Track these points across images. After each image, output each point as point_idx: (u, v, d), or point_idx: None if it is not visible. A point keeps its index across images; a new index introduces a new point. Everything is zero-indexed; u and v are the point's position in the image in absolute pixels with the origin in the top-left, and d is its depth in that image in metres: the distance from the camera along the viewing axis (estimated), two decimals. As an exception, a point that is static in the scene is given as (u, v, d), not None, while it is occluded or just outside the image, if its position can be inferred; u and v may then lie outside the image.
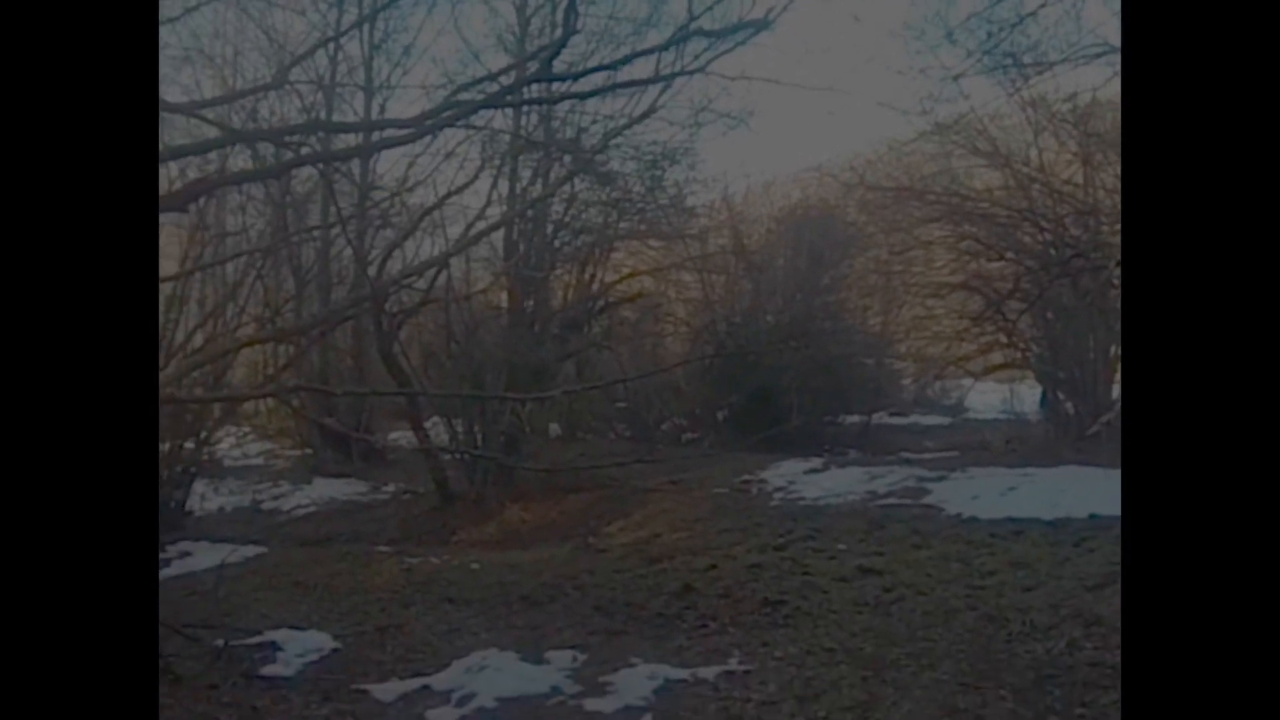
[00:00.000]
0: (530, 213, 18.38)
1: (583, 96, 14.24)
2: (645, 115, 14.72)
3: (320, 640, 8.29)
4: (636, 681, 7.03)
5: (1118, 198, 15.86)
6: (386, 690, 7.26)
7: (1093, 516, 10.03)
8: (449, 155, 18.18)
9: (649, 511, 13.07)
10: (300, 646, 8.13)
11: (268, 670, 7.72)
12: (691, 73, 10.62)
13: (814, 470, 14.47)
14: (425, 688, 7.27)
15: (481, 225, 16.38)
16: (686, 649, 7.70)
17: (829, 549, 10.01)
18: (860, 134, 35.12)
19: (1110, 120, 16.17)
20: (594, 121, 17.65)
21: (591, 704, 6.78)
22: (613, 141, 17.35)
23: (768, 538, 10.68)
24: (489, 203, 17.51)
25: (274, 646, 8.11)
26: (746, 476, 14.26)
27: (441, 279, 16.22)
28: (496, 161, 17.06)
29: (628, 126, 15.96)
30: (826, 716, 6.17)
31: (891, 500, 12.10)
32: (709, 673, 7.07)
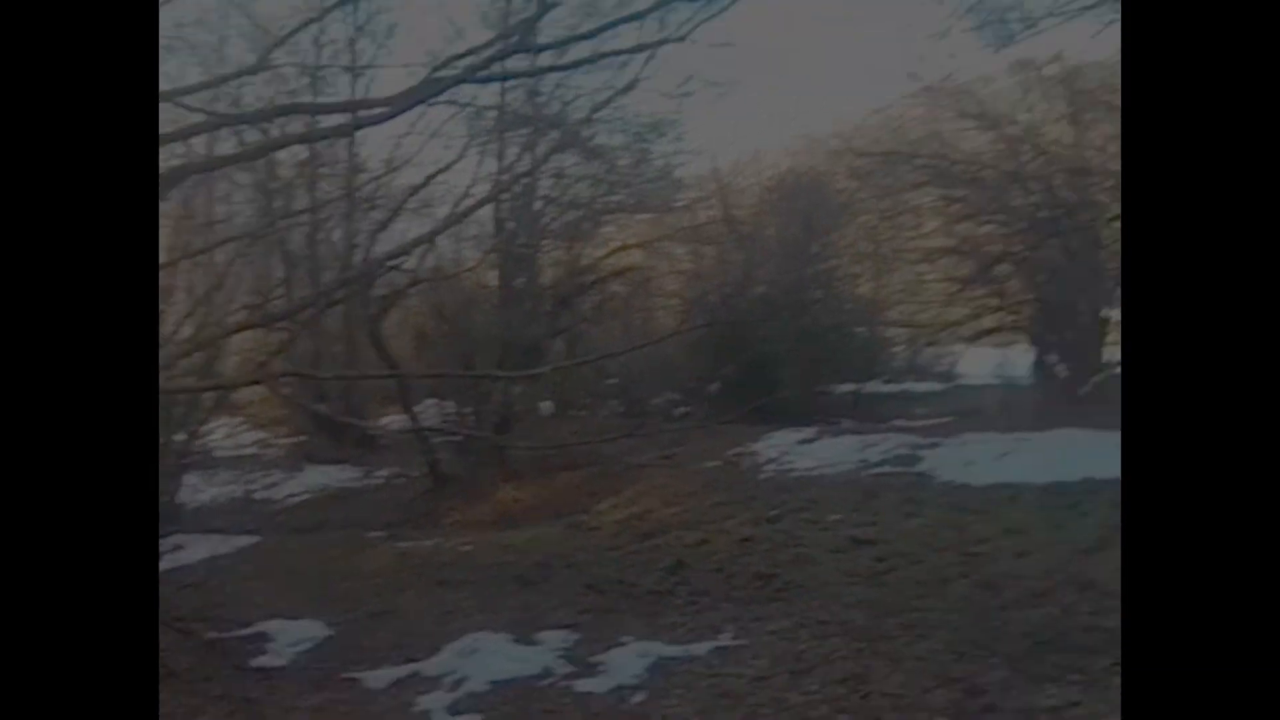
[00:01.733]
0: (518, 189, 18.22)
1: (566, 69, 14.04)
2: (629, 87, 14.48)
3: (313, 629, 8.26)
4: (629, 660, 7.00)
5: (1106, 156, 15.97)
6: (378, 677, 7.23)
7: (1086, 479, 9.84)
8: (434, 135, 18.05)
9: (641, 488, 12.98)
10: (292, 636, 8.10)
11: (260, 661, 7.68)
12: (674, 40, 10.39)
13: (806, 441, 14.30)
14: (416, 673, 7.23)
15: (469, 203, 16.21)
16: (679, 625, 7.68)
17: (821, 520, 9.96)
18: (847, 99, 34.93)
19: (1098, 79, 16.04)
20: (579, 95, 17.45)
21: (583, 684, 6.75)
22: (598, 115, 17.19)
23: (760, 510, 10.62)
24: (475, 181, 17.41)
25: (265, 637, 8.06)
26: (738, 449, 14.13)
27: (430, 259, 16.08)
28: (482, 139, 16.91)
29: (612, 99, 15.77)
30: (819, 690, 6.14)
31: (884, 469, 11.96)
32: (701, 649, 7.05)
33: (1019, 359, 19.21)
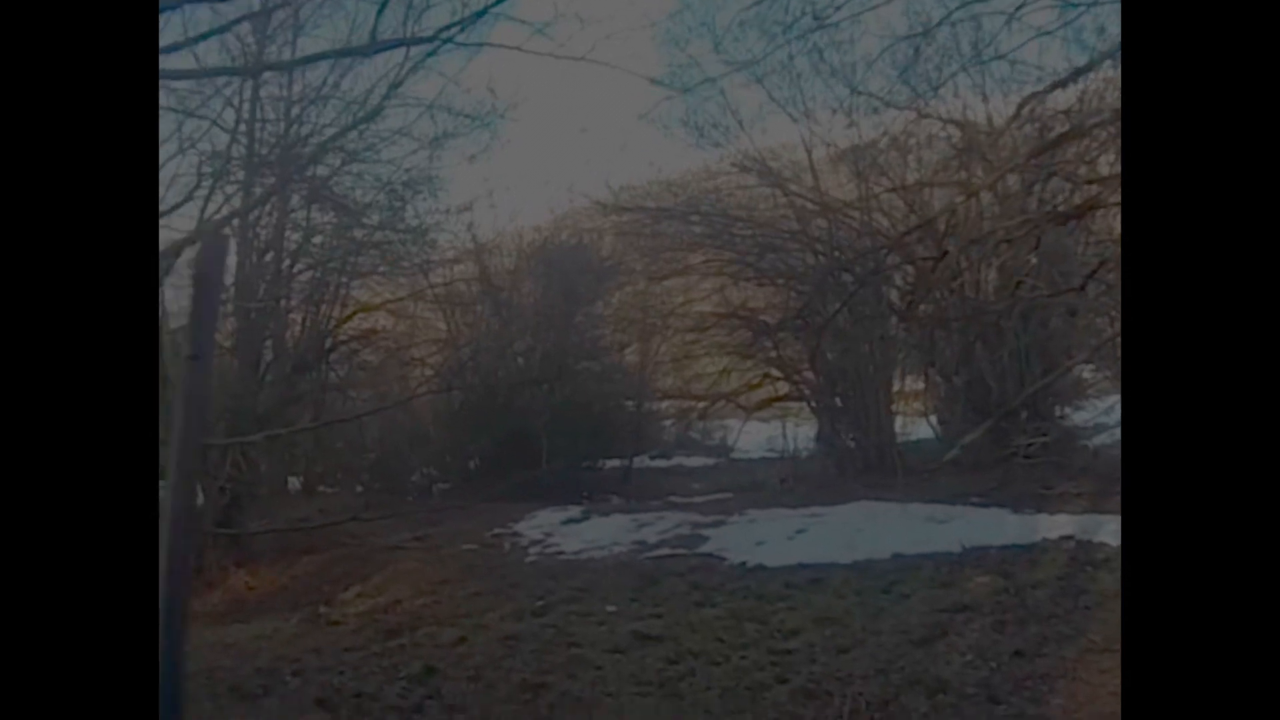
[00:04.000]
0: (260, 243, 16.60)
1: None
2: (371, 115, 13.06)
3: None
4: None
5: (894, 220, 15.18)
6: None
7: (896, 556, 8.95)
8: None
9: (390, 573, 11.39)
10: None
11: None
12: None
13: (573, 520, 13.17)
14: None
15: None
16: (423, 760, 5.87)
17: (597, 612, 8.53)
18: (616, 153, 33.41)
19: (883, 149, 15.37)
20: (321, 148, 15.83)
21: None
22: (350, 168, 16.16)
23: (524, 601, 9.15)
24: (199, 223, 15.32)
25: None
26: (499, 530, 12.78)
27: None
28: (209, 181, 14.92)
29: (353, 127, 14.19)
30: None
31: (664, 551, 10.74)
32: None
33: (795, 431, 18.29)
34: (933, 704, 5.58)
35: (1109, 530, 8.57)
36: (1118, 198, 8.75)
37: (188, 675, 7.72)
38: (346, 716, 6.73)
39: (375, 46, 9.43)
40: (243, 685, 7.55)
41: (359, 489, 19.12)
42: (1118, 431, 13.73)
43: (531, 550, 11.70)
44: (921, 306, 15.13)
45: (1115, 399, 13.80)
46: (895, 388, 16.58)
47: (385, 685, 7.23)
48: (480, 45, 9.89)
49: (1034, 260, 12.11)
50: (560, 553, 11.33)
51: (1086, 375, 14.93)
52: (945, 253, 11.89)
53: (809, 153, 16.70)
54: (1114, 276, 10.28)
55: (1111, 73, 9.58)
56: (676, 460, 21.66)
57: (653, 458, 21.46)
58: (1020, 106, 9.97)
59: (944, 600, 7.36)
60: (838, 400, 16.38)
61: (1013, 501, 9.97)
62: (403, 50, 10.33)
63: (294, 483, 18.96)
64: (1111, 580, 7.38)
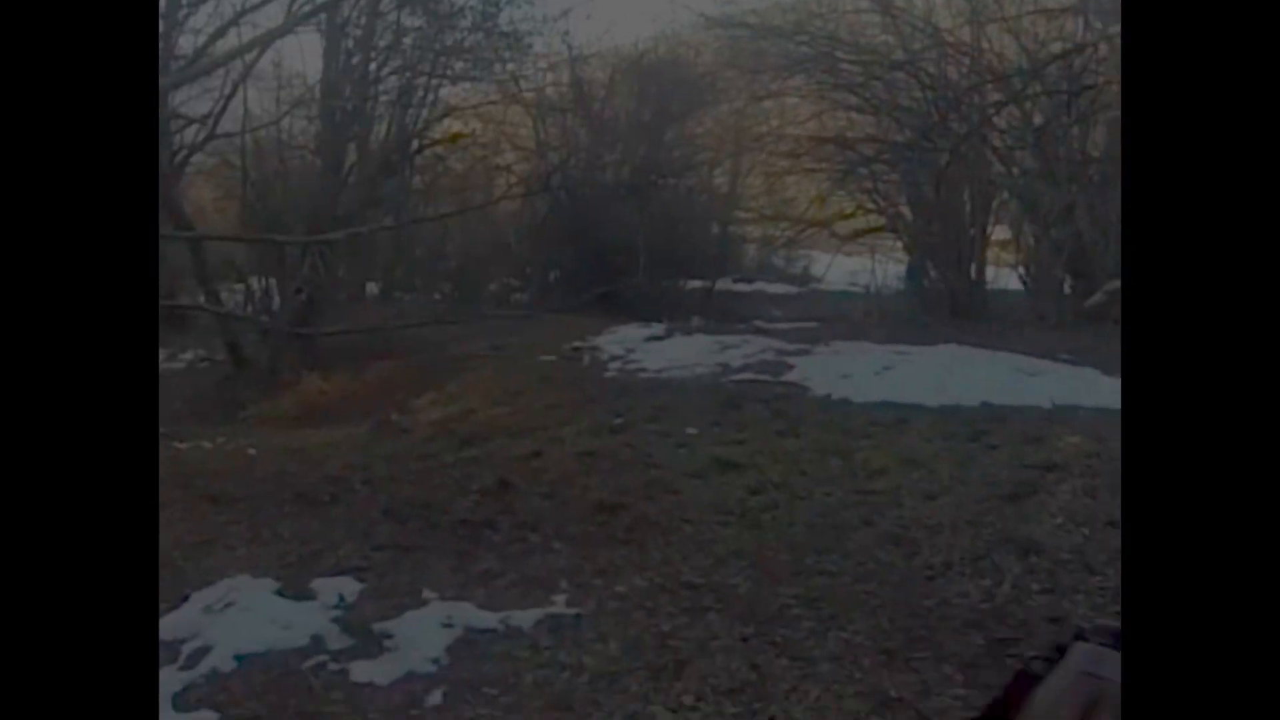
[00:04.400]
0: (349, 44, 16.34)
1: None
2: None
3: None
4: (426, 631, 5.02)
5: (1005, 63, 14.50)
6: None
7: (985, 405, 8.55)
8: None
9: (465, 382, 11.34)
10: None
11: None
12: None
13: (655, 338, 12.83)
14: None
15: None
16: (497, 575, 5.73)
17: (676, 433, 8.28)
18: None
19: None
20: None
21: (361, 669, 4.75)
22: None
23: (602, 417, 8.96)
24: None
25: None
26: (578, 343, 12.54)
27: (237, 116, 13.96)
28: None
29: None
30: (696, 704, 4.30)
31: (747, 375, 10.39)
32: (525, 619, 5.11)
33: (882, 268, 17.98)
34: (1025, 565, 5.35)
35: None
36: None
37: (256, 481, 7.76)
38: (415, 529, 6.65)
39: None
40: (310, 492, 7.51)
41: (437, 296, 19.13)
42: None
43: (611, 365, 11.48)
44: (1024, 152, 14.67)
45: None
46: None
47: (457, 497, 7.13)
48: None
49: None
50: (641, 370, 11.09)
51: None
52: (1083, 88, 11.34)
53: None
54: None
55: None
56: (759, 285, 21.43)
57: (735, 281, 21.25)
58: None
59: (1033, 456, 7.06)
60: (931, 239, 15.93)
61: (1105, 363, 9.59)
62: None
63: (372, 289, 19.16)
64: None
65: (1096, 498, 6.21)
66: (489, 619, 5.13)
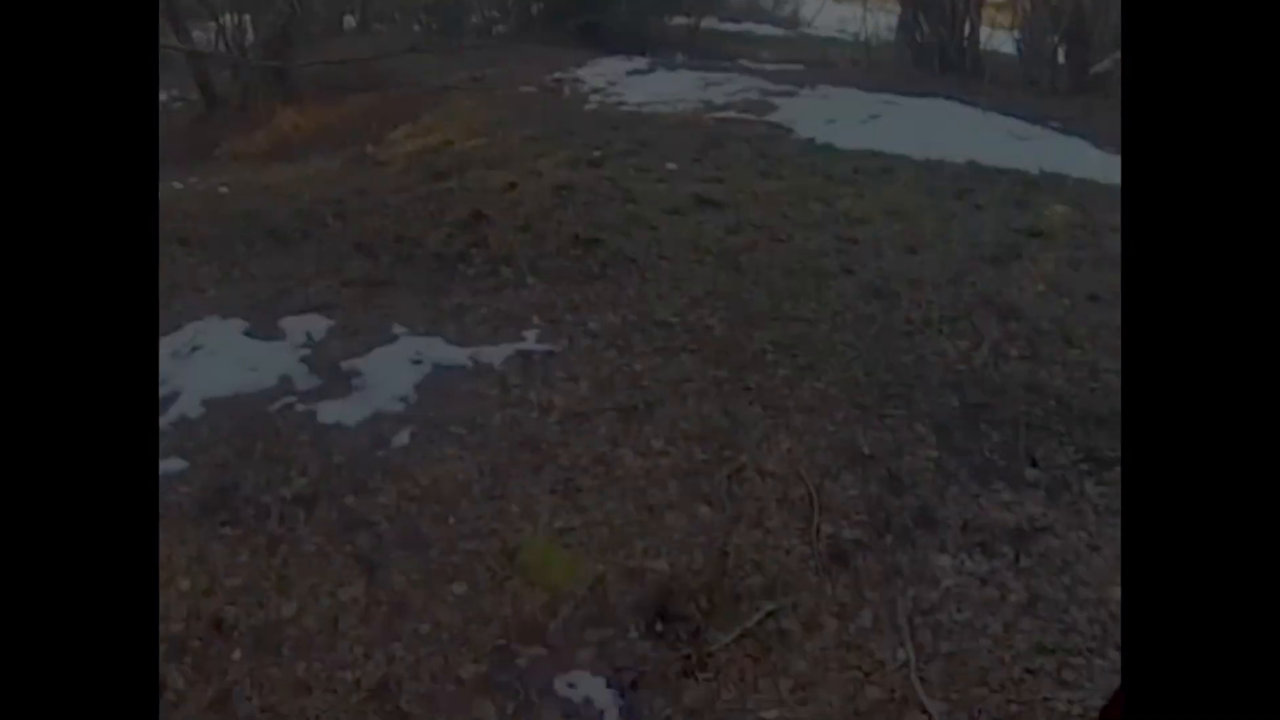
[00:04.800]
0: None
1: None
2: None
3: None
4: (395, 368, 4.89)
5: None
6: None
7: (972, 164, 8.39)
8: None
9: (442, 113, 11.06)
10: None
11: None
12: None
13: (638, 71, 12.57)
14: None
15: None
16: (468, 310, 5.56)
17: (656, 168, 8.11)
18: None
19: None
20: None
21: (329, 409, 4.62)
22: None
23: (580, 150, 8.74)
24: None
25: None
26: (560, 74, 12.29)
27: None
28: None
29: None
30: (664, 449, 4.22)
31: (731, 114, 10.20)
32: (495, 355, 4.98)
33: (870, 15, 17.45)
34: (1005, 330, 5.25)
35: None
36: None
37: (227, 219, 7.51)
38: (387, 263, 6.46)
39: None
40: (281, 228, 7.27)
41: (415, 28, 18.63)
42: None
43: (592, 98, 11.22)
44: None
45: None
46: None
47: (430, 230, 6.93)
48: None
49: None
50: (622, 103, 10.85)
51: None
52: None
53: None
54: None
55: None
56: (746, 26, 20.88)
57: (722, 20, 20.72)
58: None
59: (1018, 220, 6.93)
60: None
61: (1094, 136, 9.37)
62: None
63: (350, 21, 18.71)
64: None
65: (1079, 270, 6.11)
66: (459, 355, 5.01)
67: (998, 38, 15.46)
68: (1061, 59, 13.62)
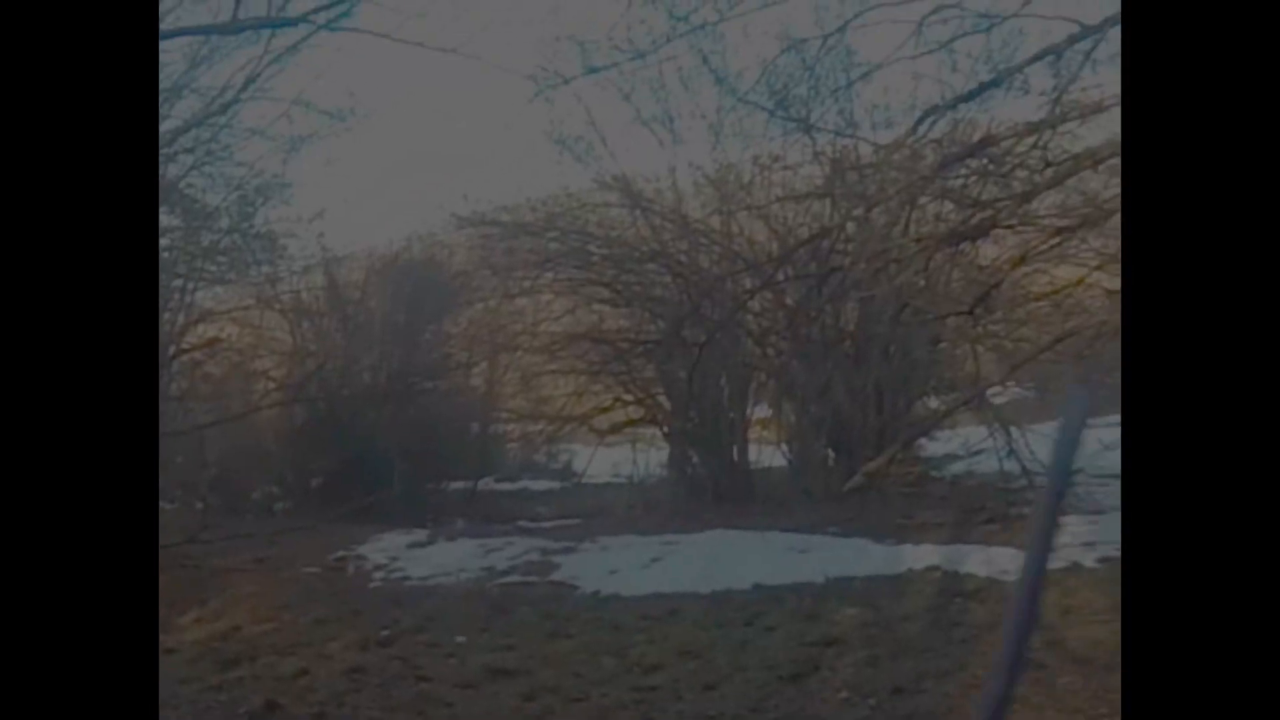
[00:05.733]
0: None
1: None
2: (226, 107, 12.85)
3: None
4: None
5: (755, 251, 14.98)
6: None
7: (758, 587, 8.67)
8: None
9: (228, 598, 10.77)
10: None
11: None
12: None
13: (419, 544, 12.63)
14: None
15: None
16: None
17: (446, 643, 8.14)
18: (475, 165, 32.78)
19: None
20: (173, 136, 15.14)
21: None
22: (202, 168, 15.80)
23: (369, 629, 8.69)
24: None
25: None
26: (342, 552, 12.24)
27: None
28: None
29: (205, 119, 13.76)
30: None
31: (514, 578, 10.36)
32: None
33: (645, 457, 18.04)
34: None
35: (976, 560, 8.43)
36: (1014, 219, 8.73)
37: None
38: (179, 763, 6.19)
39: (239, 25, 8.84)
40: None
41: (198, 505, 18.42)
42: (972, 462, 13.80)
43: (376, 575, 11.24)
44: (778, 335, 15.06)
45: (971, 430, 13.86)
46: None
47: (224, 724, 6.71)
48: (350, 30, 9.44)
49: (921, 283, 11.92)
50: (406, 578, 10.89)
51: (937, 405, 14.87)
52: (831, 270, 11.73)
53: (672, 173, 16.55)
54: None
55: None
56: (522, 484, 21.28)
57: (498, 481, 21.08)
58: (920, 120, 9.66)
59: (811, 633, 7.10)
60: (691, 426, 16.08)
61: (873, 532, 9.77)
62: (262, 44, 9.88)
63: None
64: (984, 611, 7.20)
65: (879, 666, 6.20)
66: None
67: (767, 453, 16.09)
68: (831, 461, 14.21)
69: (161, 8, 14.81)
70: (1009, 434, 12.45)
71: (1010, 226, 9.18)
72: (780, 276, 13.03)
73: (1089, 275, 11.41)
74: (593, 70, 11.41)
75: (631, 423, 17.51)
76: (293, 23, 9.07)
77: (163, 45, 14.42)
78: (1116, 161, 7.37)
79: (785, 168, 14.29)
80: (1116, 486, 2.79)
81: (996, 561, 8.20)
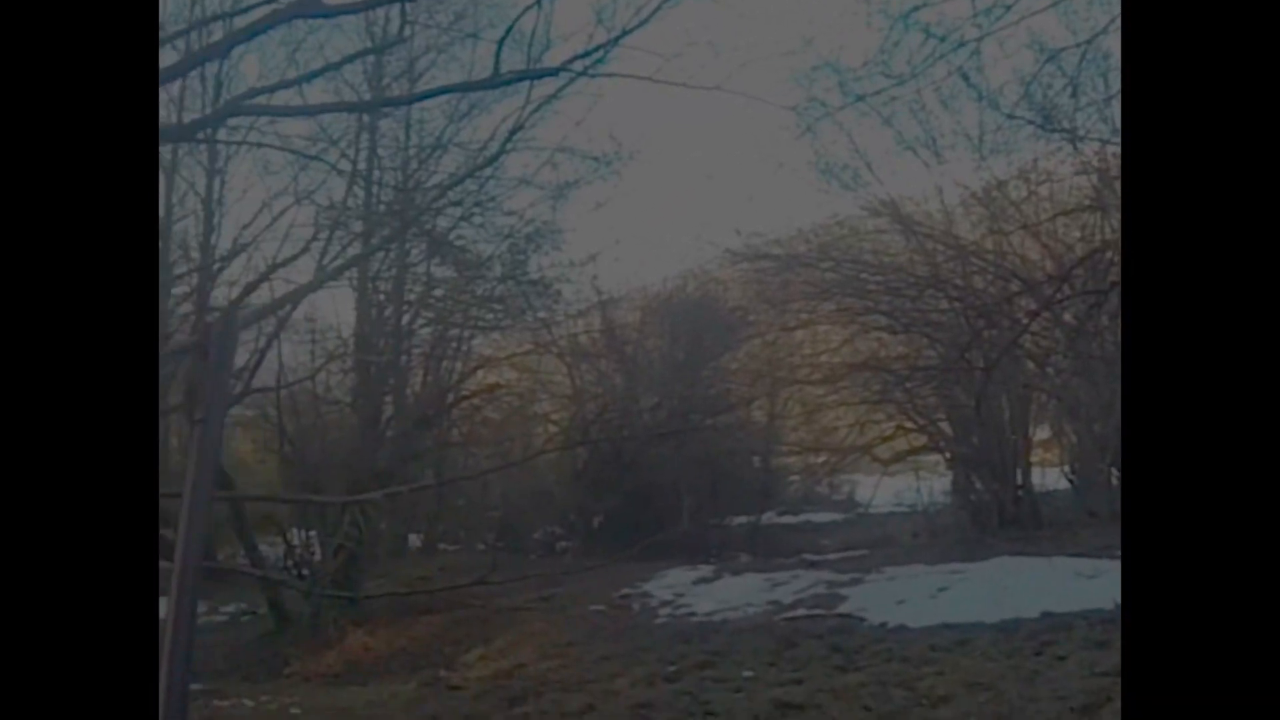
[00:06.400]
0: (380, 297, 16.90)
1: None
2: (492, 160, 13.19)
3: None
4: None
5: (1029, 266, 14.73)
6: None
7: (1046, 615, 8.46)
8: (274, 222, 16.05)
9: (513, 635, 11.10)
10: None
11: None
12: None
13: (704, 580, 12.78)
14: None
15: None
16: None
17: (733, 678, 8.08)
18: (745, 199, 33.13)
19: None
20: (440, 191, 15.74)
21: None
22: (472, 219, 16.14)
23: (655, 666, 8.73)
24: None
25: None
26: (627, 590, 12.45)
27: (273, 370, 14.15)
28: (326, 232, 14.88)
29: (471, 174, 14.22)
30: None
31: (800, 611, 10.34)
32: None
33: (928, 484, 17.80)
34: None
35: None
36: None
37: None
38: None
39: (499, 79, 9.19)
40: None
41: (481, 547, 18.98)
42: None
43: (661, 611, 11.34)
44: (1058, 355, 14.68)
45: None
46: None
47: (509, 759, 6.93)
48: (609, 75, 9.60)
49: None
50: (692, 614, 10.96)
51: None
52: (1111, 285, 11.38)
53: (940, 193, 16.38)
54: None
55: None
56: (804, 516, 21.24)
57: (780, 514, 21.08)
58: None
59: (1103, 662, 6.84)
60: (973, 451, 15.79)
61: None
62: (523, 95, 10.29)
63: (414, 540, 19.08)
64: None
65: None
66: None
67: (1050, 475, 15.68)
68: (1115, 482, 13.75)
69: (416, 69, 15.64)
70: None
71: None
72: (1058, 295, 12.67)
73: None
74: (858, 98, 11.22)
75: (914, 450, 17.39)
76: (552, 72, 9.34)
77: (423, 104, 15.26)
78: None
79: (1054, 180, 13.98)
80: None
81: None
